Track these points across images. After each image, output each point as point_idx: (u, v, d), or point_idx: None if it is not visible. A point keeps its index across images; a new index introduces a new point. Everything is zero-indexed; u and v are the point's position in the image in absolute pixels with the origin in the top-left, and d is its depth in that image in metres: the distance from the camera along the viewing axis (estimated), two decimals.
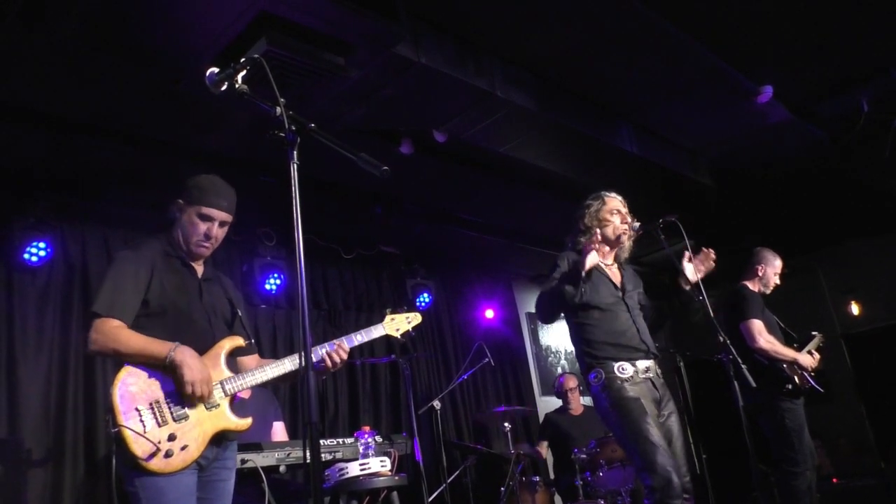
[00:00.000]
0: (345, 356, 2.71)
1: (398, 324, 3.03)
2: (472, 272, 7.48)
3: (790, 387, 4.42)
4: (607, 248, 3.57)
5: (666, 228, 3.64)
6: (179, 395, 2.45)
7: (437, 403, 5.59)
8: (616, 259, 3.64)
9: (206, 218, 2.66)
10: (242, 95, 2.06)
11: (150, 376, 2.43)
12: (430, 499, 5.10)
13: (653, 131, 5.46)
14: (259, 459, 3.44)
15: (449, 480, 5.37)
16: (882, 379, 7.84)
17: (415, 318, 3.08)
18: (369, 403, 6.15)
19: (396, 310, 3.07)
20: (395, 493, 3.62)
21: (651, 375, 3.34)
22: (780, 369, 4.45)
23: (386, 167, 1.95)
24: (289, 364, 2.68)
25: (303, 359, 1.76)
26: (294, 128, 1.93)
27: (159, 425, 2.37)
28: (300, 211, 1.85)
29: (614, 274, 3.57)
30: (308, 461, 1.69)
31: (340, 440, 3.84)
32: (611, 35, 4.16)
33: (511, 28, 4.07)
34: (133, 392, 2.38)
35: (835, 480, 5.82)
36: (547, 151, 5.25)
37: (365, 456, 3.46)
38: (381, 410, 6.20)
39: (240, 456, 3.40)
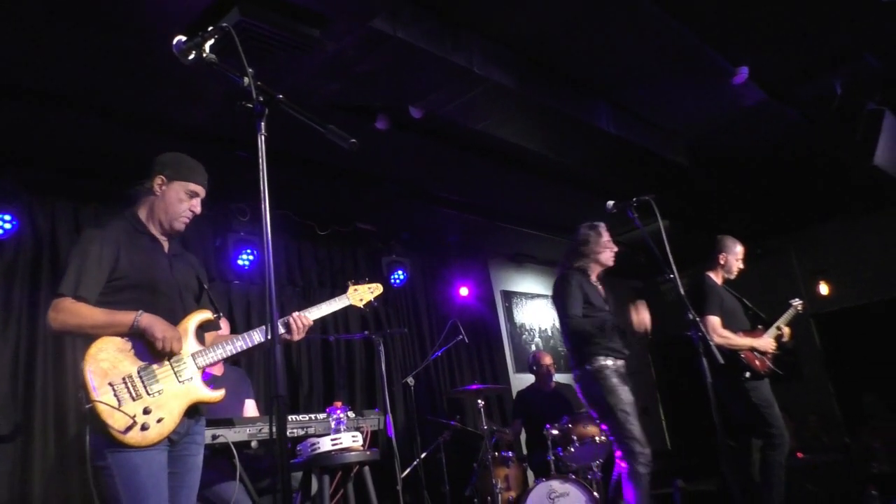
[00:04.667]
0: (307, 322, 2.82)
1: (361, 294, 3.14)
2: (448, 250, 7.48)
3: (748, 374, 4.55)
4: (599, 269, 4.51)
5: (640, 208, 3.81)
6: (152, 365, 2.46)
7: (410, 380, 5.62)
8: (599, 277, 4.53)
9: (194, 194, 2.73)
10: (211, 65, 2.03)
11: (120, 351, 2.42)
12: (404, 474, 5.14)
13: (631, 110, 5.46)
14: (231, 435, 3.42)
15: (423, 456, 5.42)
16: (849, 357, 8.02)
17: (377, 289, 3.20)
18: (344, 380, 6.16)
19: (359, 281, 3.17)
20: (366, 469, 3.64)
21: (623, 371, 4.25)
22: (738, 359, 4.56)
23: (354, 139, 1.94)
24: (257, 336, 2.72)
25: (269, 332, 1.75)
26: (262, 99, 1.91)
27: (133, 399, 2.38)
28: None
29: (601, 289, 4.48)
30: (274, 434, 1.69)
31: (312, 416, 3.84)
32: (589, 13, 4.14)
33: (490, 4, 4.03)
34: (105, 368, 2.37)
35: (799, 455, 5.96)
36: (524, 129, 5.24)
37: (336, 431, 3.46)
38: (355, 387, 6.21)
39: (211, 432, 3.39)
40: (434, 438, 5.71)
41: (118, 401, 2.34)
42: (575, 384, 4.38)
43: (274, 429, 1.73)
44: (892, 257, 7.79)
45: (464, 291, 7.35)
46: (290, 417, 3.74)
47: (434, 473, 5.70)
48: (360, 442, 3.55)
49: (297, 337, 2.81)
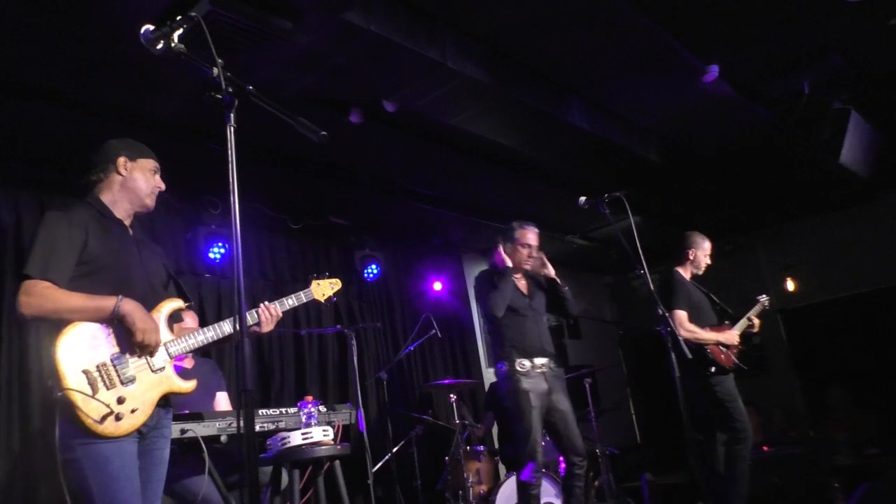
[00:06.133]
0: (276, 312, 2.86)
1: (323, 289, 3.24)
2: (421, 244, 7.47)
3: (713, 369, 4.62)
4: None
5: (612, 204, 3.87)
6: (126, 353, 2.41)
7: (383, 374, 5.61)
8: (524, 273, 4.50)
9: (157, 170, 2.76)
10: (180, 55, 2.00)
11: (93, 338, 2.36)
12: (376, 468, 5.14)
13: (603, 107, 5.50)
14: (200, 429, 3.39)
15: (394, 450, 5.42)
16: (815, 352, 8.18)
17: (336, 284, 3.33)
18: (316, 374, 6.13)
19: (320, 276, 3.28)
20: (337, 463, 3.63)
21: (545, 370, 4.23)
22: (704, 353, 4.63)
23: (324, 132, 1.93)
24: (227, 326, 2.71)
25: (237, 323, 1.74)
26: (231, 90, 1.89)
27: (107, 388, 2.32)
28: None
29: (522, 285, 4.47)
30: (242, 427, 1.68)
31: (283, 410, 3.81)
32: (563, 9, 4.15)
33: None
34: (77, 355, 2.31)
35: (765, 448, 6.07)
36: (498, 125, 5.25)
37: (307, 425, 3.44)
38: (328, 381, 6.18)
39: (180, 426, 3.35)
40: (406, 433, 5.71)
41: (92, 389, 2.28)
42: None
43: (241, 423, 1.72)
44: (857, 254, 7.96)
45: (437, 286, 7.35)
46: (260, 412, 3.71)
47: (406, 468, 5.70)
48: (331, 436, 3.54)
49: (266, 328, 2.83)
